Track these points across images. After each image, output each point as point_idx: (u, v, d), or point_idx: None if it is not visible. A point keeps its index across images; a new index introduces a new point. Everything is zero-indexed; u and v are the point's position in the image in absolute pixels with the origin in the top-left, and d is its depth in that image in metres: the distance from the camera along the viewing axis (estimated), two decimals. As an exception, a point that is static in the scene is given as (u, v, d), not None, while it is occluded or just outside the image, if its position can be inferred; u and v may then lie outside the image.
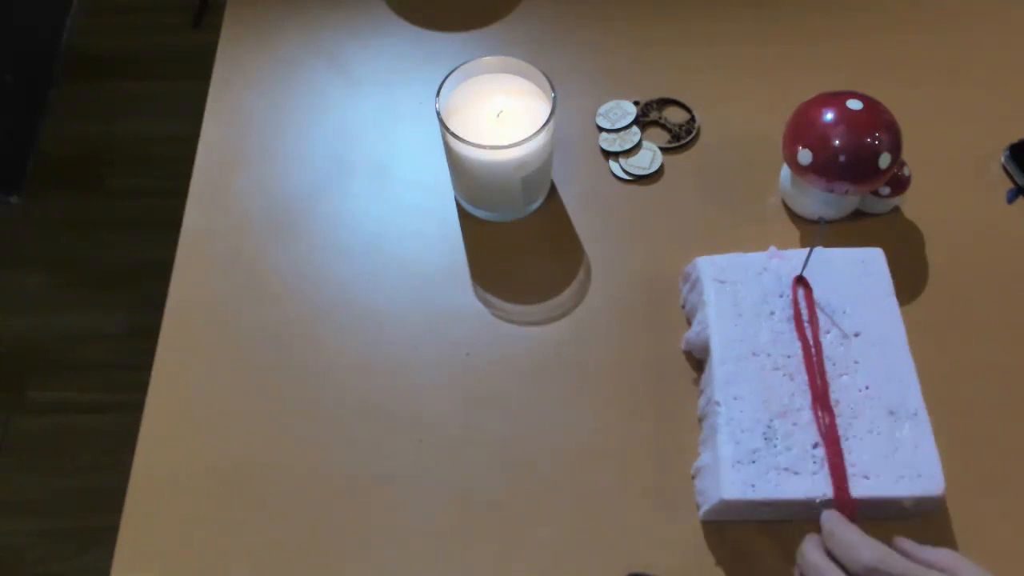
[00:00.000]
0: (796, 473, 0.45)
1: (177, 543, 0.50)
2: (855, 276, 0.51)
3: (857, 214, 0.59)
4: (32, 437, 1.32)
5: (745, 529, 0.49)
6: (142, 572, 0.49)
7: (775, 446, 0.46)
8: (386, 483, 0.51)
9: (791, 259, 0.52)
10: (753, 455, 0.46)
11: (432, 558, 0.49)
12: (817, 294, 0.51)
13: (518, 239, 0.60)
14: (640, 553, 0.48)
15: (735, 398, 0.48)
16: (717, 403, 0.48)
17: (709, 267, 0.52)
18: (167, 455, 0.52)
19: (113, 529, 0.49)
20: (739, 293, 0.51)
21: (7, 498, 1.27)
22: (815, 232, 0.58)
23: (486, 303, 0.57)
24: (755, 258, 0.52)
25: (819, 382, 0.48)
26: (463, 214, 0.61)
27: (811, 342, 0.49)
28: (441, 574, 0.48)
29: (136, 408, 0.53)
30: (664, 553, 0.48)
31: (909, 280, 0.56)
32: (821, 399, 0.47)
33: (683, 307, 0.56)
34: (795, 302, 0.50)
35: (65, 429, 1.33)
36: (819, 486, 0.45)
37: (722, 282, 0.52)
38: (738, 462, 0.46)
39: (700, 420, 0.52)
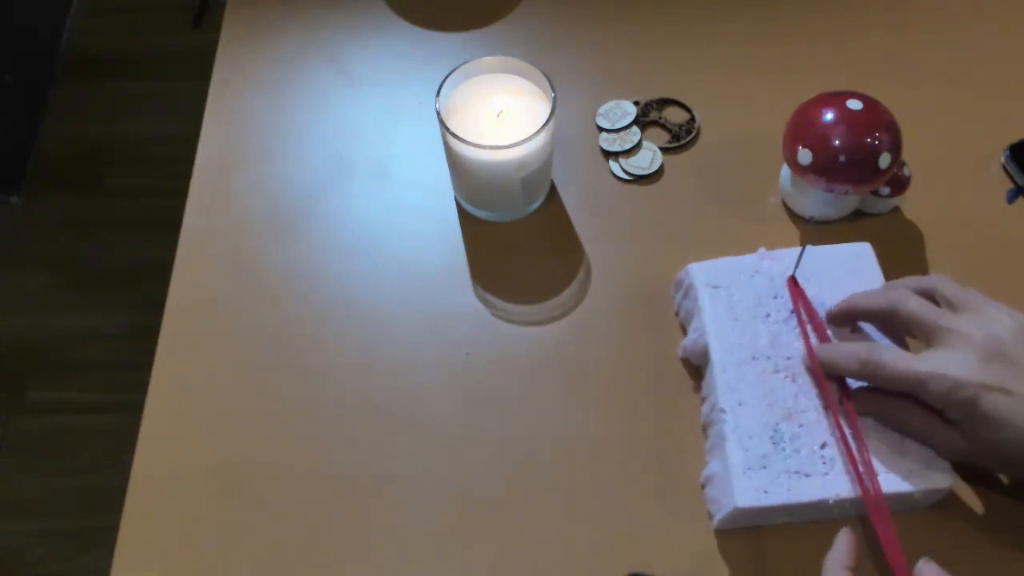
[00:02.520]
0: (807, 475, 0.45)
1: (177, 543, 0.50)
2: (847, 272, 0.51)
3: (857, 214, 0.59)
4: (32, 437, 1.33)
5: (749, 532, 0.49)
6: (142, 572, 0.49)
7: (783, 449, 0.46)
8: (386, 483, 0.51)
9: (782, 259, 0.52)
10: (763, 460, 0.46)
11: (432, 558, 0.49)
12: (811, 293, 0.50)
13: (518, 239, 0.60)
14: (640, 553, 0.48)
15: (740, 404, 0.47)
16: (723, 411, 0.47)
17: (701, 273, 0.52)
18: (167, 455, 0.52)
19: (113, 529, 0.49)
20: (733, 297, 0.51)
21: (7, 498, 1.27)
22: (805, 231, 0.58)
23: (486, 303, 0.57)
24: (746, 261, 0.52)
25: (832, 382, 0.47)
26: (463, 214, 0.61)
27: (815, 342, 0.49)
28: (441, 574, 0.48)
29: (136, 408, 0.53)
30: (665, 553, 0.48)
31: (909, 280, 0.56)
32: (839, 399, 0.47)
33: (677, 315, 0.56)
34: (796, 304, 0.50)
35: (65, 429, 1.33)
36: (830, 487, 0.45)
37: (715, 287, 0.51)
38: (749, 469, 0.45)
39: (704, 428, 0.51)
